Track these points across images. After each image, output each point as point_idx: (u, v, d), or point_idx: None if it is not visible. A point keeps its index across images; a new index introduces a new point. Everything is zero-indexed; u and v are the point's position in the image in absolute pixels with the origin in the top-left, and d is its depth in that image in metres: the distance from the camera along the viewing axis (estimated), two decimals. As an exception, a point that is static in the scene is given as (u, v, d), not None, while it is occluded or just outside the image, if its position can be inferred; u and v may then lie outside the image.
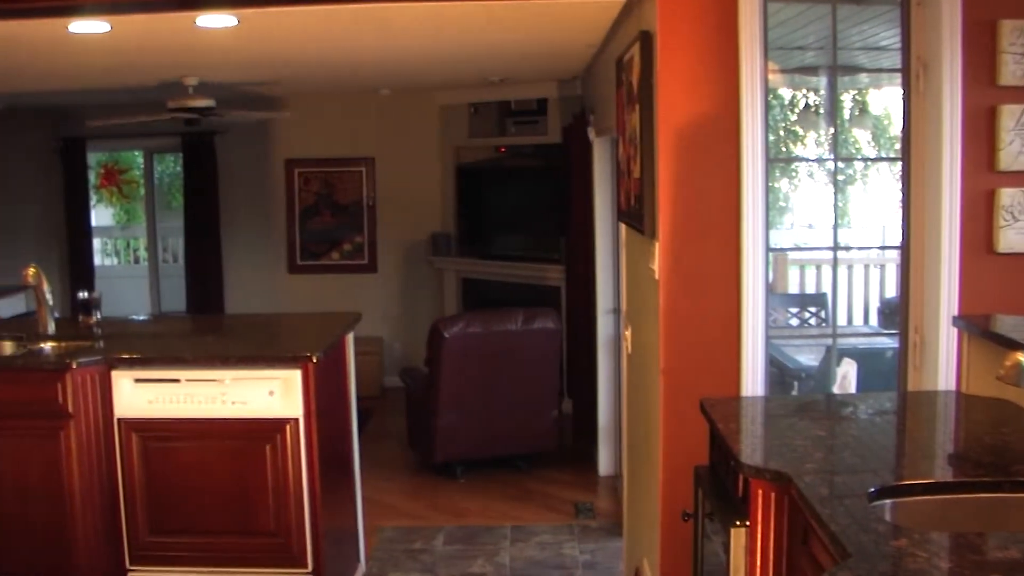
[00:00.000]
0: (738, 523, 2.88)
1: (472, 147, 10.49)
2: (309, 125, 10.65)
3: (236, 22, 5.36)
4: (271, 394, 4.65)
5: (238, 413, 4.68)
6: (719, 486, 3.26)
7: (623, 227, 5.78)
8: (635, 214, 4.81)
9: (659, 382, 4.30)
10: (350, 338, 5.53)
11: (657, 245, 4.26)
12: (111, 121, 8.83)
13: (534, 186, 9.98)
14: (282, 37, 6.22)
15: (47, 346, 5.18)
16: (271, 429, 4.66)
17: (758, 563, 2.83)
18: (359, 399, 5.74)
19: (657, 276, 4.27)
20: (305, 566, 4.73)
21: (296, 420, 4.65)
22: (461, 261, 10.52)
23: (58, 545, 4.73)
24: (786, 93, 7.98)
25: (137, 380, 4.72)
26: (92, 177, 11.67)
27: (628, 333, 5.46)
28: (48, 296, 5.35)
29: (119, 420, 4.73)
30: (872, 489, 2.50)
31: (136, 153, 12.27)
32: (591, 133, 7.45)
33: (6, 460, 4.71)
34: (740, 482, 2.92)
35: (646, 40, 4.36)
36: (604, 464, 7.69)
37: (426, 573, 5.89)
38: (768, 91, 4.15)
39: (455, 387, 7.44)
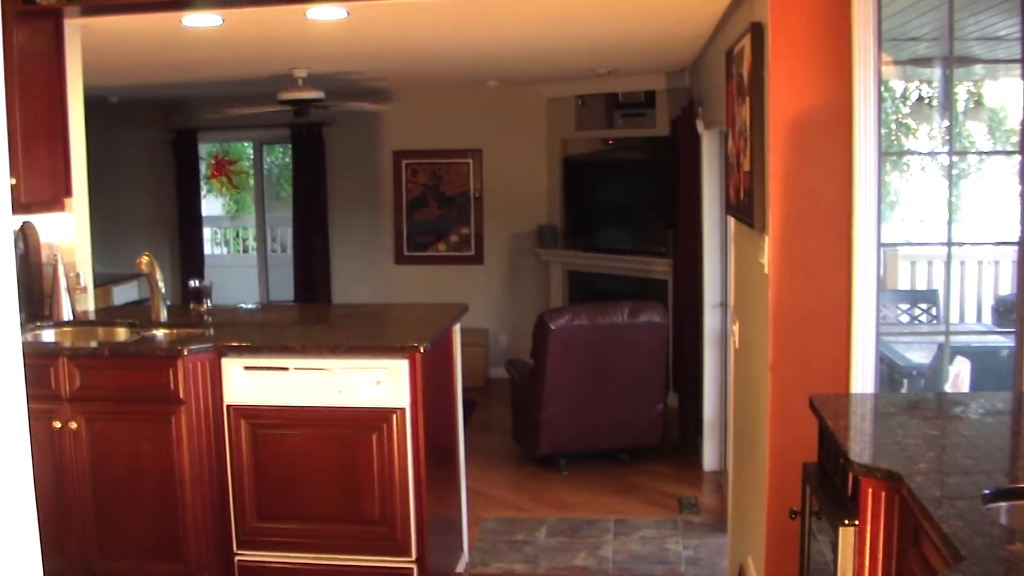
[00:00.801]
0: (847, 522, 2.84)
1: (579, 139, 10.47)
2: (417, 116, 10.72)
3: (346, 14, 5.42)
4: (378, 384, 4.69)
5: (345, 402, 4.73)
6: (828, 484, 3.21)
7: (732, 221, 5.72)
8: (745, 208, 4.76)
9: (767, 378, 4.26)
10: (457, 329, 5.56)
11: (767, 239, 4.21)
12: (223, 112, 8.98)
13: (641, 179, 9.92)
14: (391, 29, 6.26)
15: (159, 333, 5.29)
16: (377, 418, 4.70)
17: (867, 563, 2.78)
18: (464, 390, 5.77)
19: (767, 271, 4.23)
20: (409, 555, 4.76)
21: (403, 410, 4.68)
22: (567, 253, 10.51)
23: (168, 528, 4.82)
24: (898, 85, 7.81)
25: (246, 368, 4.80)
26: (203, 168, 11.88)
27: (736, 328, 5.41)
28: (160, 284, 5.46)
29: (228, 407, 4.81)
30: (987, 491, 2.44)
31: (246, 144, 12.45)
32: (700, 126, 7.39)
33: (120, 444, 4.81)
34: (849, 480, 2.88)
35: (757, 32, 4.32)
36: (709, 459, 7.63)
37: (528, 564, 5.90)
38: (881, 83, 4.07)
39: (560, 379, 7.44)
